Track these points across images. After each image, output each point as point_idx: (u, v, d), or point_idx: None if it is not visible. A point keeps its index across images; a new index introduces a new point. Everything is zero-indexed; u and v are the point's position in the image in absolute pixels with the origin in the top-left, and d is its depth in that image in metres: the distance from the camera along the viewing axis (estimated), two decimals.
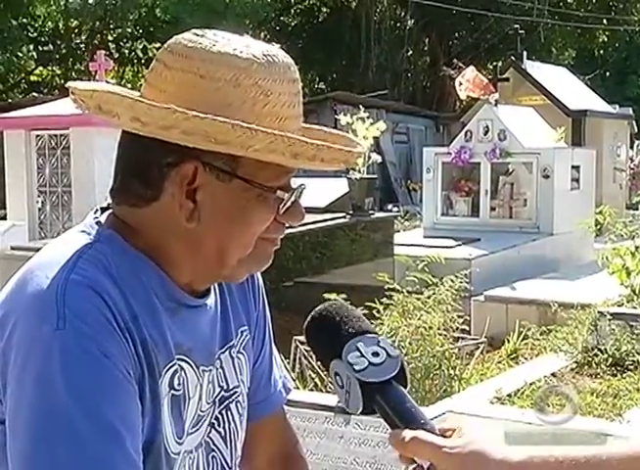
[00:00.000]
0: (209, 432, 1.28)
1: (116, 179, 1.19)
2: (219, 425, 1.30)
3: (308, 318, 1.20)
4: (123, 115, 1.08)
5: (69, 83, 1.17)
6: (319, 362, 1.22)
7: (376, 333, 1.17)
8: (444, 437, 1.10)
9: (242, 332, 1.35)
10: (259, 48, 1.14)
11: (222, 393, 1.30)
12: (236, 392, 1.33)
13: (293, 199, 1.18)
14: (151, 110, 1.07)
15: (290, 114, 1.14)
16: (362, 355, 1.11)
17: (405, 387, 1.13)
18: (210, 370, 1.26)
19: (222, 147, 1.08)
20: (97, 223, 1.20)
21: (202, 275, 1.21)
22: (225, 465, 1.31)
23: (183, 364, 1.20)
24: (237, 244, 1.17)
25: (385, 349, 1.13)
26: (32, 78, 27.42)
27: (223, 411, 1.31)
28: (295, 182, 1.20)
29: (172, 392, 1.18)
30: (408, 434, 1.08)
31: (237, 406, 1.33)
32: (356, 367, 1.10)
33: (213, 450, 1.29)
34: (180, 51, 1.13)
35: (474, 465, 1.07)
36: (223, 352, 1.30)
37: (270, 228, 1.18)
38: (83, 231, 1.19)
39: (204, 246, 1.17)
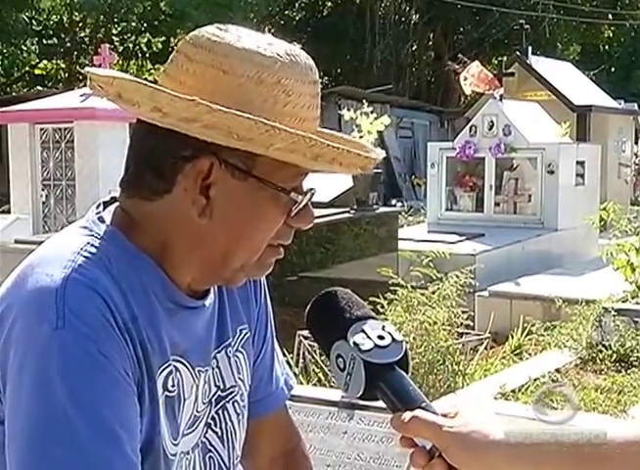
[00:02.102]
0: (206, 432, 1.27)
1: (128, 170, 1.17)
2: (216, 425, 1.28)
3: (313, 300, 1.19)
4: (144, 104, 1.07)
5: (87, 69, 1.15)
6: (318, 346, 1.22)
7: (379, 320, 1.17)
8: (445, 417, 1.11)
9: (240, 330, 1.33)
10: (282, 47, 1.13)
11: (219, 392, 1.28)
12: (233, 391, 1.31)
13: (305, 201, 1.16)
14: (174, 101, 1.05)
15: (308, 115, 1.13)
16: (368, 337, 1.12)
17: (407, 373, 1.14)
18: (207, 370, 1.25)
19: (243, 144, 1.06)
20: (99, 219, 1.18)
21: (203, 276, 1.19)
22: (223, 466, 1.30)
23: (178, 365, 1.18)
24: (245, 246, 1.16)
25: (390, 333, 1.14)
26: (37, 72, 27.43)
27: (220, 411, 1.29)
28: (305, 185, 1.18)
29: (166, 393, 1.16)
30: (408, 414, 1.09)
31: (234, 406, 1.31)
32: (362, 348, 1.11)
33: (210, 451, 1.28)
34: (203, 44, 1.11)
35: (474, 444, 1.08)
36: (219, 352, 1.28)
37: (279, 232, 1.17)
38: (85, 227, 1.17)
39: (211, 244, 1.15)
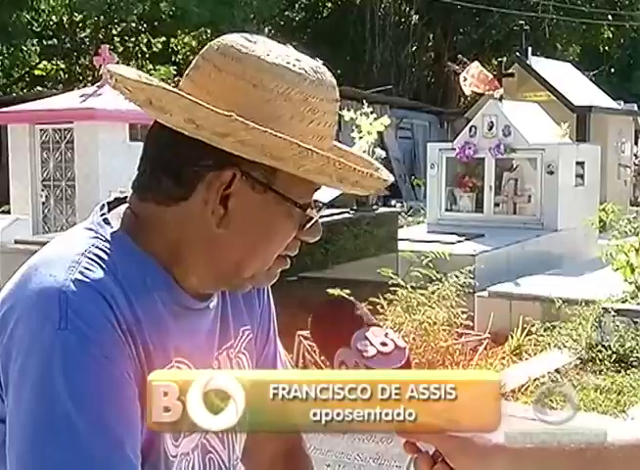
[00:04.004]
0: (206, 433, 1.26)
1: (144, 174, 1.17)
2: None
3: (317, 308, 1.20)
4: (177, 114, 1.07)
5: (109, 67, 1.15)
6: (322, 353, 1.23)
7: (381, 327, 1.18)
8: None
9: (243, 332, 1.34)
10: (309, 63, 1.14)
11: None
12: None
13: (317, 217, 1.18)
14: (209, 114, 1.05)
15: (328, 133, 1.15)
16: (371, 344, 1.13)
17: None
18: None
19: (274, 162, 1.07)
20: (104, 221, 1.18)
21: (212, 281, 1.20)
22: (223, 466, 1.30)
23: (182, 367, 1.19)
24: (258, 257, 1.17)
25: (393, 340, 1.14)
26: (36, 72, 27.40)
27: None
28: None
29: None
30: None
31: None
32: (365, 354, 1.11)
33: (210, 452, 1.27)
34: (233, 55, 1.11)
35: (476, 448, 1.08)
36: (221, 354, 1.28)
37: (289, 244, 1.19)
38: (90, 229, 1.17)
39: (224, 253, 1.16)
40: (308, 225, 1.17)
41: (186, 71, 1.17)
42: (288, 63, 1.12)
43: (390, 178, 1.20)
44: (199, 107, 1.06)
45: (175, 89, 1.11)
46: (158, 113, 1.09)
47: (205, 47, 1.16)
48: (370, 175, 1.13)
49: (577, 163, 10.82)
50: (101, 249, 1.13)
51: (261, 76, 1.10)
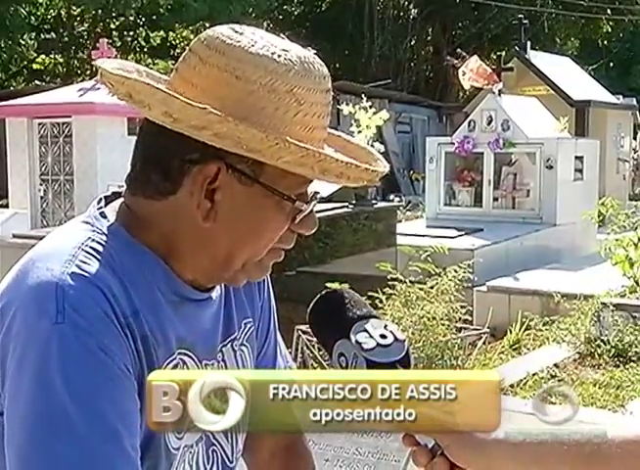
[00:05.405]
0: None
1: (135, 168, 1.17)
2: None
3: (315, 299, 1.20)
4: (155, 107, 1.07)
5: (97, 61, 1.15)
6: (321, 345, 1.22)
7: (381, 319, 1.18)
8: None
9: (245, 324, 1.34)
10: (297, 53, 1.12)
11: None
12: None
13: (310, 209, 1.17)
14: (185, 107, 1.05)
15: (318, 124, 1.14)
16: (370, 336, 1.12)
17: None
18: (213, 364, 1.25)
19: (252, 154, 1.07)
20: (101, 214, 1.18)
21: (205, 275, 1.20)
22: (226, 459, 1.30)
23: (185, 358, 1.19)
24: (248, 250, 1.17)
25: (392, 332, 1.14)
26: (34, 66, 27.37)
27: None
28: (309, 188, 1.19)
29: None
30: None
31: None
32: (365, 346, 1.11)
33: (214, 444, 1.28)
34: (217, 47, 1.11)
35: (476, 442, 1.08)
36: (225, 345, 1.29)
37: (282, 237, 1.18)
38: (87, 222, 1.17)
39: (214, 247, 1.16)
40: (300, 217, 1.16)
41: (176, 65, 1.17)
42: (273, 53, 1.10)
43: (383, 169, 1.19)
44: (175, 100, 1.06)
45: (152, 82, 1.11)
46: (138, 106, 1.09)
47: (194, 40, 1.16)
48: (356, 166, 1.12)
49: (576, 157, 10.82)
50: (98, 242, 1.13)
51: (244, 68, 1.09)
